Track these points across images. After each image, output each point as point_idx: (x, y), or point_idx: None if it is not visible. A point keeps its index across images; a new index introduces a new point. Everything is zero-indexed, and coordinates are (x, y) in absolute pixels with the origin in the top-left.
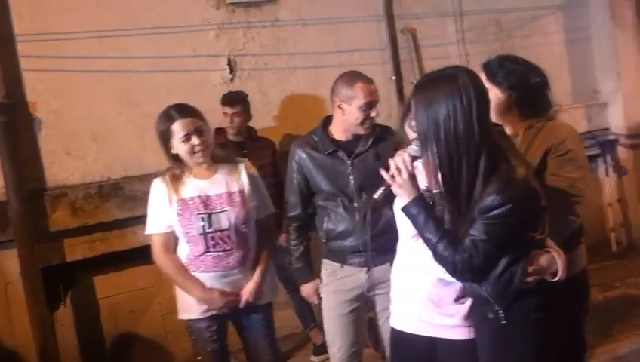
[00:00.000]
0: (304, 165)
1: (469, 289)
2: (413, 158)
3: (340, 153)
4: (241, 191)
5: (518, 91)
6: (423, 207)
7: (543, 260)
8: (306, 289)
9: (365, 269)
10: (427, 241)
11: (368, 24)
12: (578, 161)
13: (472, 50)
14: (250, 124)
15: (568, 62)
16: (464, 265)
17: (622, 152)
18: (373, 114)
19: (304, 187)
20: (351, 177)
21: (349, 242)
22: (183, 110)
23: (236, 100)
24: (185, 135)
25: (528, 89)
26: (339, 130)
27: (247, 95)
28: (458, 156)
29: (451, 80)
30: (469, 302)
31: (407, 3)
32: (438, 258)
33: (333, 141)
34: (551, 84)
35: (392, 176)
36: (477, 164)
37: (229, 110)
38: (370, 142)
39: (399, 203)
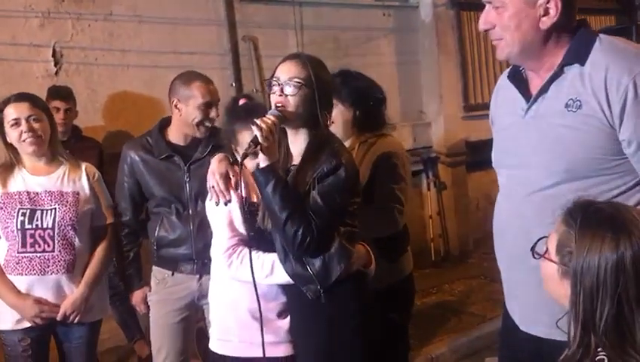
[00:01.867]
0: (136, 169)
1: (290, 272)
2: (281, 121)
3: (176, 158)
4: (76, 193)
5: (361, 108)
6: (279, 174)
7: (359, 250)
8: (135, 298)
9: (197, 277)
10: (274, 213)
11: (209, 28)
12: (400, 173)
13: None
14: (75, 122)
15: (398, 83)
16: (312, 238)
17: (442, 169)
18: (212, 114)
19: (135, 192)
20: (187, 184)
21: (181, 250)
22: (22, 95)
23: (67, 95)
24: (14, 119)
25: (369, 106)
26: (176, 133)
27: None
28: None
29: None
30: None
31: (248, 11)
32: (285, 233)
33: (170, 145)
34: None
35: (265, 133)
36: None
37: (61, 105)
38: (209, 148)
39: (212, 209)
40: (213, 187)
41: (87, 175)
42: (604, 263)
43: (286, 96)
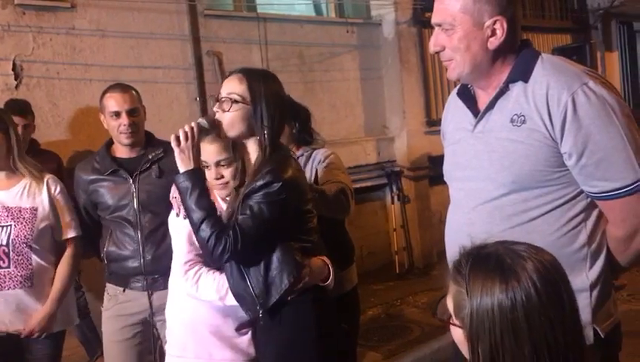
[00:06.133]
0: (87, 188)
1: (232, 289)
2: (201, 130)
3: (122, 172)
4: (34, 209)
5: (299, 121)
6: (196, 180)
7: (315, 264)
8: None
9: (147, 294)
10: (191, 219)
11: (173, 42)
12: (342, 170)
13: None
14: (35, 135)
15: (362, 99)
16: (226, 245)
17: (405, 183)
18: (124, 122)
19: (91, 209)
20: (134, 195)
21: (130, 263)
22: None
23: (26, 110)
24: None
25: (304, 119)
26: (118, 147)
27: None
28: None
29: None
30: (249, 333)
31: (213, 26)
32: (200, 238)
33: (115, 160)
34: (346, 117)
35: (178, 139)
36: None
37: (20, 121)
38: (152, 159)
39: (173, 221)
40: (175, 198)
41: (49, 189)
42: (499, 321)
43: (223, 111)
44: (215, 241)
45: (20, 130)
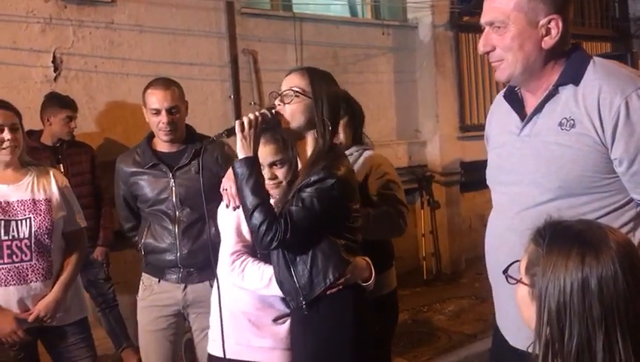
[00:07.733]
0: (128, 180)
1: (276, 277)
2: (265, 121)
3: (162, 166)
4: (48, 200)
5: (350, 114)
6: (253, 168)
7: (359, 263)
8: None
9: (182, 286)
10: (244, 205)
11: (210, 40)
12: (397, 183)
13: None
14: None
15: (395, 101)
16: (276, 233)
17: (436, 188)
18: (163, 120)
19: (132, 201)
20: (172, 190)
21: (167, 256)
22: (3, 103)
23: (74, 104)
24: None
25: (356, 116)
26: (159, 141)
27: None
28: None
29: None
30: (287, 323)
31: (249, 25)
32: (251, 225)
33: (156, 154)
34: (378, 120)
35: (242, 125)
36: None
37: (73, 114)
38: (192, 154)
39: (223, 213)
40: (225, 190)
41: (57, 181)
42: (569, 281)
43: (284, 104)
44: (266, 228)
45: (73, 123)
